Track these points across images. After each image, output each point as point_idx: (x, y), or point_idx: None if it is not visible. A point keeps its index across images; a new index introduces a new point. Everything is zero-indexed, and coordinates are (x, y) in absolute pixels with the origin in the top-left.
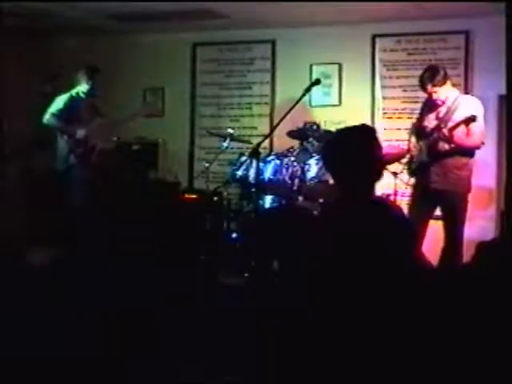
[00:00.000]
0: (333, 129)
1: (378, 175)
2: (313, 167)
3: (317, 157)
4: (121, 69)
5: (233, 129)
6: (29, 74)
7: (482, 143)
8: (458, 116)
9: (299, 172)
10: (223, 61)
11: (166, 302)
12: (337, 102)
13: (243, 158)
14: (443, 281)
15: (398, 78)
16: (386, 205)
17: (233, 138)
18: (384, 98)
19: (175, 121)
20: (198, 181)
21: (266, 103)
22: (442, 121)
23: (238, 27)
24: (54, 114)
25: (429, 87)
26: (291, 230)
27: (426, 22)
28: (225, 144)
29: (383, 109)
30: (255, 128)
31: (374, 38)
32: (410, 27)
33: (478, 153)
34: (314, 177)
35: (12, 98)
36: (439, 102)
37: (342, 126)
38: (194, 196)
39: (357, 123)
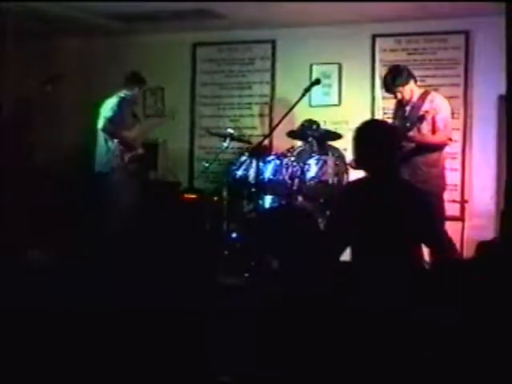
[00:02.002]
0: (333, 129)
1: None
2: (313, 167)
3: (317, 157)
4: (121, 69)
5: (233, 129)
6: (29, 74)
7: (450, 139)
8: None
9: (299, 172)
10: (223, 61)
11: (165, 302)
12: (337, 102)
13: (243, 158)
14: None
15: None
16: (409, 183)
17: (233, 137)
18: (384, 97)
19: (175, 121)
20: (197, 181)
21: (265, 103)
22: (407, 119)
23: (238, 27)
24: (108, 119)
25: (392, 88)
26: (291, 229)
27: (426, 21)
28: (225, 144)
29: (383, 109)
30: (255, 128)
31: (373, 37)
32: (410, 27)
33: (477, 153)
34: (313, 177)
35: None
36: (404, 102)
37: (342, 125)
38: (193, 196)
39: (357, 123)
